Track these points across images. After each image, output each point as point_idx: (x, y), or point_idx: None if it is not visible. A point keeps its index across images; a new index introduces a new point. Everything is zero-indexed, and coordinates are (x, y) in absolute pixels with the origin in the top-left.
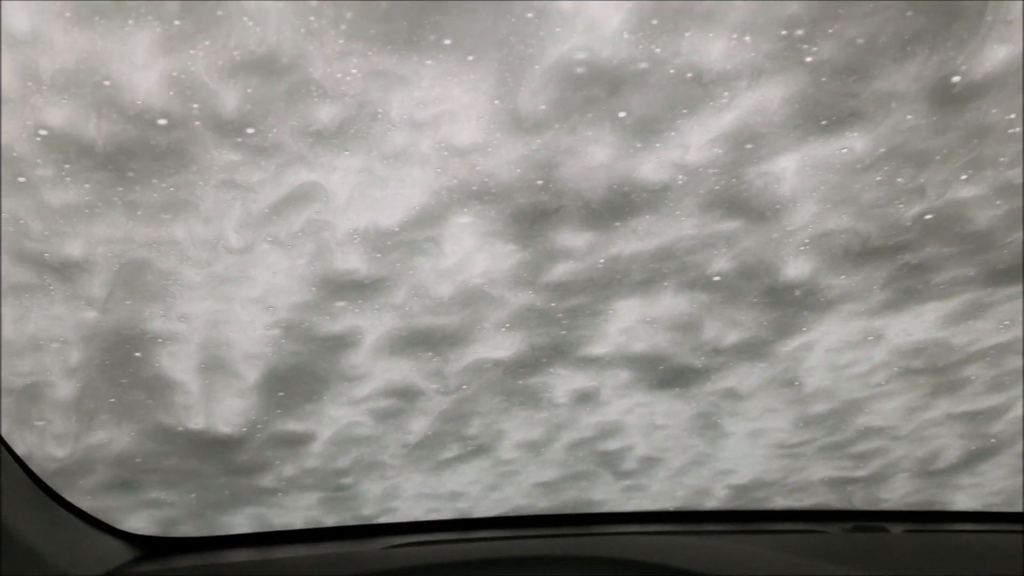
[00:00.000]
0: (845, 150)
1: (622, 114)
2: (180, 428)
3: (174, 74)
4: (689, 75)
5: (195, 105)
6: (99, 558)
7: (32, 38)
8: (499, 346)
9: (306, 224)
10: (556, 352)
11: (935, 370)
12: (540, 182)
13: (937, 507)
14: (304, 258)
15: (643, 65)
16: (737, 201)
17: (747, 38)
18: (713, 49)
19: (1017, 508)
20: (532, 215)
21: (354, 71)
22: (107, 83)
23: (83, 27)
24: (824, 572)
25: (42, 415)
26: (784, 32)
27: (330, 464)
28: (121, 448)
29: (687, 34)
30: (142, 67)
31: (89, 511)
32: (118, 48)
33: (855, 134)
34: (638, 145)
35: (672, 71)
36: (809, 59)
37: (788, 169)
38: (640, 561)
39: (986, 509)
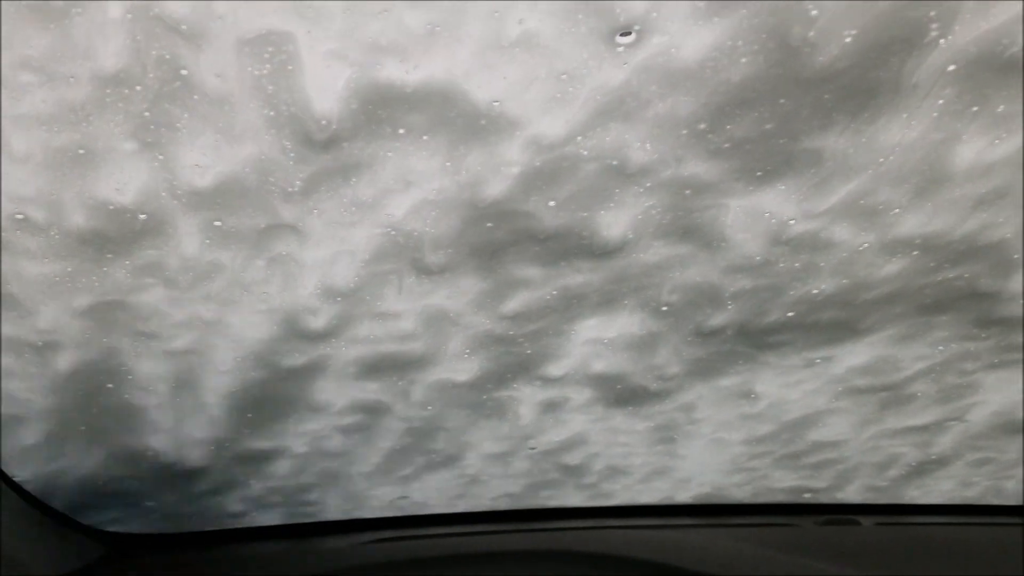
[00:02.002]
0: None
1: (552, 203)
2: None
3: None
4: (615, 163)
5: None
6: (67, 555)
7: None
8: (462, 369)
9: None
10: (520, 369)
11: (882, 388)
12: (490, 224)
13: (907, 501)
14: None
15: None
16: (690, 229)
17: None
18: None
19: (984, 502)
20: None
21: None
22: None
23: None
24: (797, 564)
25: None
26: (684, 131)
27: (294, 480)
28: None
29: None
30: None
31: (58, 509)
32: None
33: (782, 186)
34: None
35: (598, 164)
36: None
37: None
38: (613, 555)
39: (955, 503)
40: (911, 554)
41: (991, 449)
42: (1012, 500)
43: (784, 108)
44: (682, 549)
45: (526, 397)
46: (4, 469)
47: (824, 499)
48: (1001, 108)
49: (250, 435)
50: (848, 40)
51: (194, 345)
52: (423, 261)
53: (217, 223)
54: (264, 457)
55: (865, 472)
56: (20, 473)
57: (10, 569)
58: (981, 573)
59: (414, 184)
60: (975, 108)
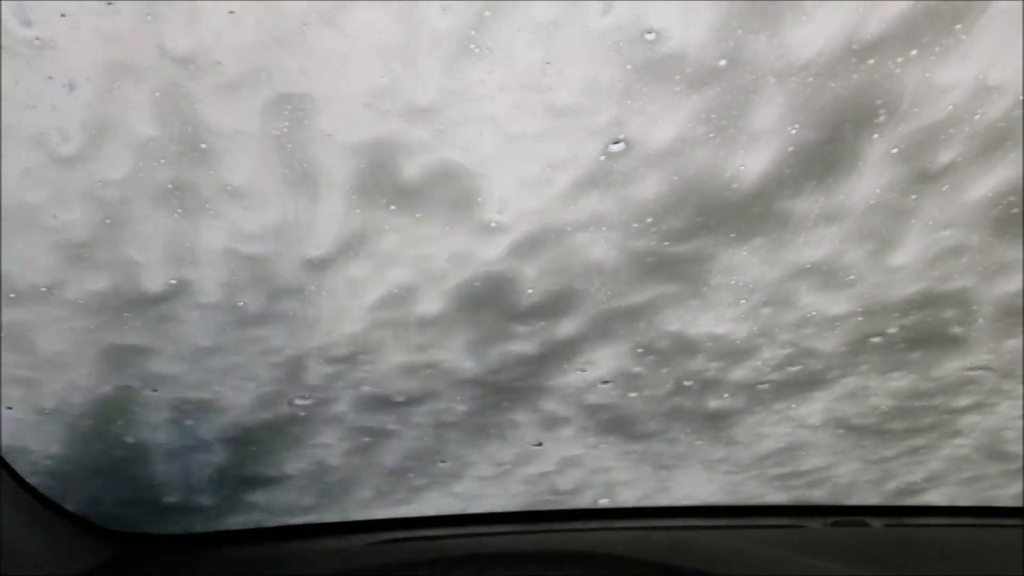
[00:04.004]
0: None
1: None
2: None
3: None
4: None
5: None
6: (80, 555)
7: None
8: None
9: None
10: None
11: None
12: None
13: (915, 502)
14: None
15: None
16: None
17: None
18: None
19: (994, 504)
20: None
21: None
22: None
23: None
24: (805, 565)
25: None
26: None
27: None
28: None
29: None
30: None
31: (70, 509)
32: None
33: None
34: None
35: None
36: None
37: None
38: (621, 556)
39: (965, 505)
40: (920, 556)
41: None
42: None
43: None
44: (690, 550)
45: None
46: (17, 470)
47: (832, 500)
48: None
49: (264, 439)
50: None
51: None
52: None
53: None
54: (279, 457)
55: (862, 483)
56: (33, 474)
57: (23, 569)
58: (991, 575)
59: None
60: None
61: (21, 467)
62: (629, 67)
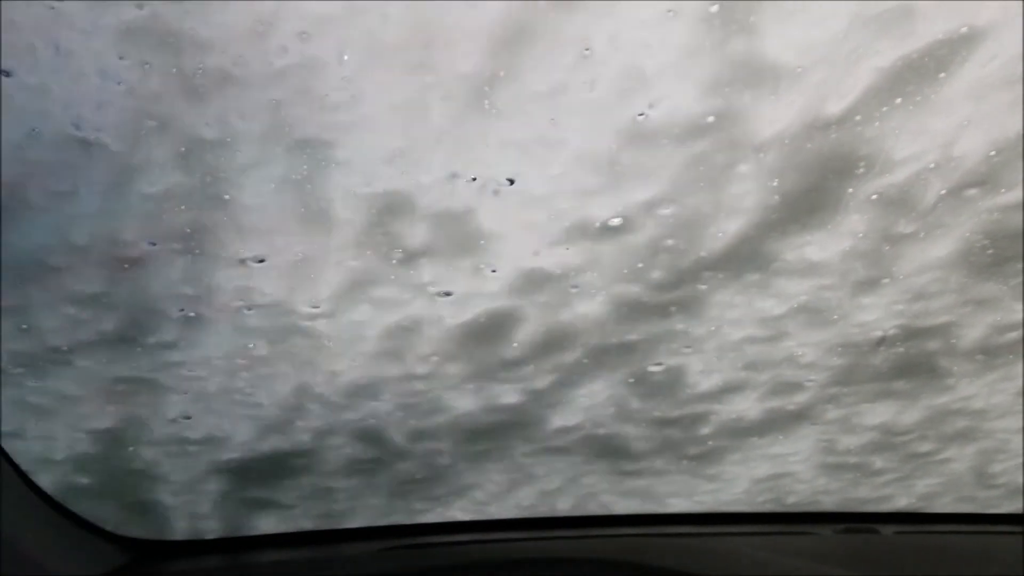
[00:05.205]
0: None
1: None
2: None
3: None
4: None
5: None
6: (92, 561)
7: None
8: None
9: None
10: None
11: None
12: None
13: (926, 509)
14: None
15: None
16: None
17: None
18: None
19: (1005, 510)
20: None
21: None
22: None
23: None
24: (815, 573)
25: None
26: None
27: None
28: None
29: None
30: None
31: (83, 515)
32: None
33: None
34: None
35: None
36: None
37: None
38: (630, 563)
39: (976, 512)
40: (930, 563)
41: None
42: None
43: None
44: (701, 557)
45: None
46: (29, 476)
47: (842, 508)
48: None
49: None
50: None
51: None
52: None
53: None
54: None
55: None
56: (45, 480)
57: (36, 574)
58: None
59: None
60: None
61: (40, 477)
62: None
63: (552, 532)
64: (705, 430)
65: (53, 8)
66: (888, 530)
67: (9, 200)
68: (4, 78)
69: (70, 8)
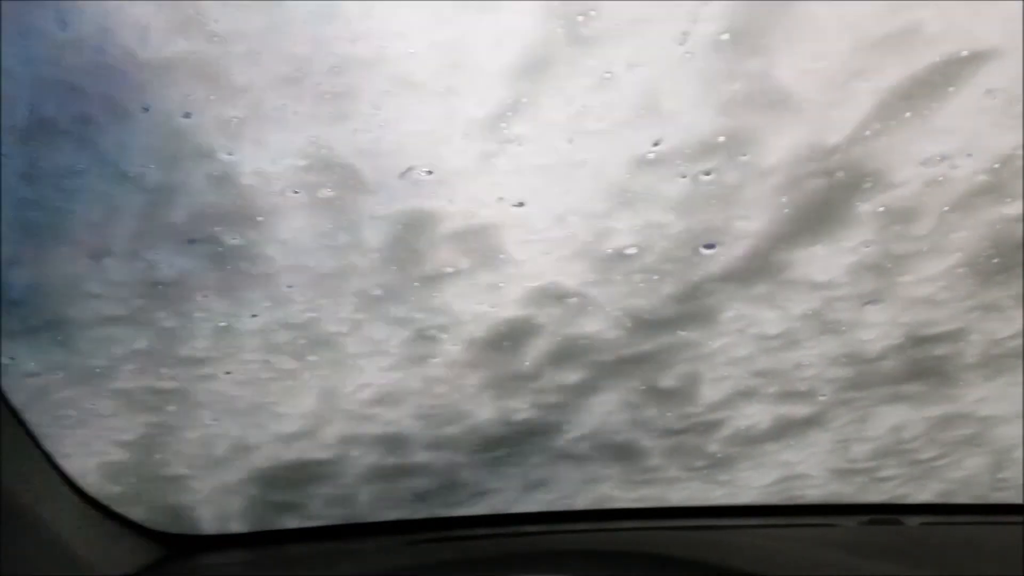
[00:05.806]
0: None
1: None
2: None
3: None
4: None
5: None
6: (130, 556)
7: None
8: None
9: None
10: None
11: None
12: None
13: (951, 500)
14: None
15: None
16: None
17: None
18: None
19: None
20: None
21: None
22: None
23: None
24: (840, 564)
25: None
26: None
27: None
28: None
29: None
30: None
31: (119, 511)
32: None
33: None
34: None
35: None
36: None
37: None
38: (654, 555)
39: (1001, 502)
40: (956, 554)
41: None
42: None
43: None
44: (726, 549)
45: None
46: (67, 472)
47: (867, 499)
48: None
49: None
50: None
51: None
52: None
53: None
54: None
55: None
56: (83, 475)
57: (74, 570)
58: None
59: None
60: None
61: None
62: None
63: (580, 525)
64: (717, 437)
65: None
66: (913, 521)
67: None
68: None
69: None
